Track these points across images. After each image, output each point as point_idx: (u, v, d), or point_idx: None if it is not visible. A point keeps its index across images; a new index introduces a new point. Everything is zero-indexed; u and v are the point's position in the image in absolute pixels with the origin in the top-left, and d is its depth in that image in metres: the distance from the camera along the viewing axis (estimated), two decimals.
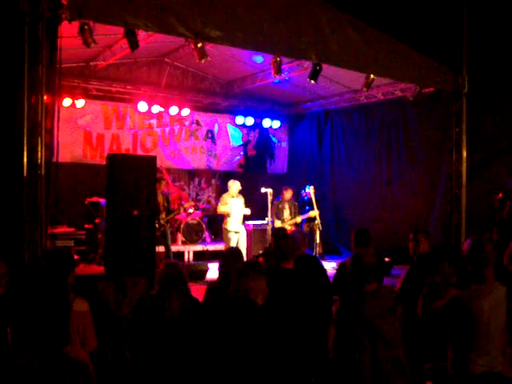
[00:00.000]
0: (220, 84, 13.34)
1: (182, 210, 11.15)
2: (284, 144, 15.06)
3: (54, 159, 6.27)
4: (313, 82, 9.10)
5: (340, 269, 5.47)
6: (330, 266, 10.32)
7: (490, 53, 9.67)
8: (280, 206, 10.78)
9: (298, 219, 10.80)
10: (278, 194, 10.93)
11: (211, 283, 4.96)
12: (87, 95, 11.52)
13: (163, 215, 10.29)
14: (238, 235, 10.07)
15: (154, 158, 9.56)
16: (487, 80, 9.74)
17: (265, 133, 14.65)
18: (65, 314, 2.07)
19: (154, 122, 12.92)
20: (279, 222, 10.66)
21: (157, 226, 9.79)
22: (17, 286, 2.04)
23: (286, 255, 4.62)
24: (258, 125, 14.29)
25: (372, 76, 9.25)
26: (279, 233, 5.46)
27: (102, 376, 3.68)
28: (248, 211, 10.27)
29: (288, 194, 10.87)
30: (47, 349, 1.98)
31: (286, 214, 10.77)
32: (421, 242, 5.31)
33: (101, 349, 3.69)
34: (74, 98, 11.24)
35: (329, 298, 5.02)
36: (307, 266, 5.11)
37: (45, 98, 6.04)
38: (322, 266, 5.54)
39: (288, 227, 10.40)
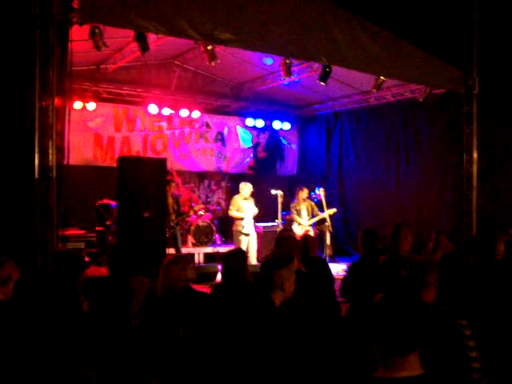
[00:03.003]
0: (230, 86, 13.34)
1: (191, 212, 11.18)
2: (294, 146, 15.06)
3: (65, 161, 6.30)
4: (323, 83, 9.10)
5: (350, 271, 5.46)
6: (340, 268, 10.31)
7: (500, 54, 9.62)
8: (297, 207, 10.65)
9: (323, 215, 10.74)
10: (288, 197, 10.91)
11: (215, 284, 4.94)
12: (98, 98, 11.56)
13: (173, 217, 10.32)
14: (248, 237, 10.08)
15: (164, 161, 9.63)
16: (498, 81, 9.68)
17: (275, 135, 14.66)
18: (74, 317, 2.08)
19: (164, 124, 12.96)
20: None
21: (167, 228, 9.83)
22: (26, 289, 2.05)
23: None
24: (267, 127, 14.30)
25: (382, 77, 9.23)
26: (279, 234, 5.36)
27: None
28: (256, 210, 10.23)
29: (304, 193, 10.69)
30: (55, 352, 1.99)
31: (304, 214, 10.64)
32: (442, 242, 5.22)
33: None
34: (84, 100, 11.31)
35: (332, 303, 4.96)
36: (315, 269, 5.08)
37: (56, 100, 6.07)
38: (329, 270, 5.51)
39: (309, 228, 10.41)
